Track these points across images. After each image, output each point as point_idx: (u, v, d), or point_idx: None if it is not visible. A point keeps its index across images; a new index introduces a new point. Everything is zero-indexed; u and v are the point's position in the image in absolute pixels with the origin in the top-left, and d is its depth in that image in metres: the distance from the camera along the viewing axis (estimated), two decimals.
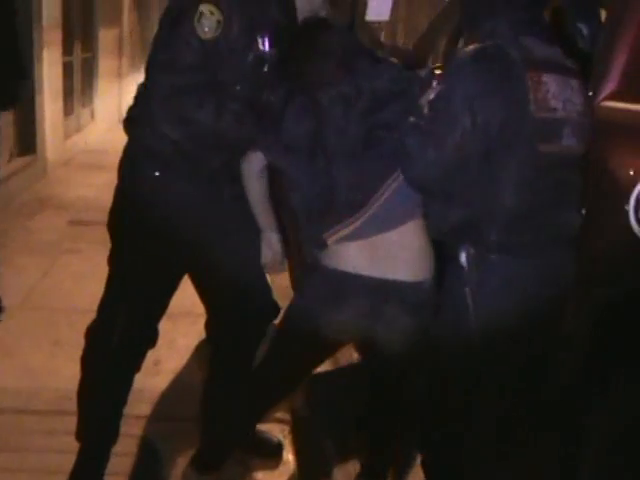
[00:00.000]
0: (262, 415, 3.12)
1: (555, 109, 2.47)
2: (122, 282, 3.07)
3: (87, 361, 3.16)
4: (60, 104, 9.71)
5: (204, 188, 2.92)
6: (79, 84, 11.29)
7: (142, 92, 2.96)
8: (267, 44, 2.84)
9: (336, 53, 2.69)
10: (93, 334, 3.13)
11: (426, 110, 2.52)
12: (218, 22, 2.71)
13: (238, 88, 2.81)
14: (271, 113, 2.74)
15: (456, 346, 2.67)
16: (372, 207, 2.63)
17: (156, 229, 2.93)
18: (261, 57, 2.84)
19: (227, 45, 2.75)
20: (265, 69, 2.85)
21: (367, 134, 2.62)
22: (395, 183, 2.64)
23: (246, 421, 3.11)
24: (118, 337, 3.05)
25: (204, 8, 2.71)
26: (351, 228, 2.64)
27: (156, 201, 2.93)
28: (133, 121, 3.01)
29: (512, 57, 2.44)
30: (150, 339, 3.16)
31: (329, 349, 2.97)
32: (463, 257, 2.59)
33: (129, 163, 3.01)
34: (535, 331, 2.64)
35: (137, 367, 3.16)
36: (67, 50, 10.25)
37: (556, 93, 2.48)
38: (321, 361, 3.04)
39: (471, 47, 2.50)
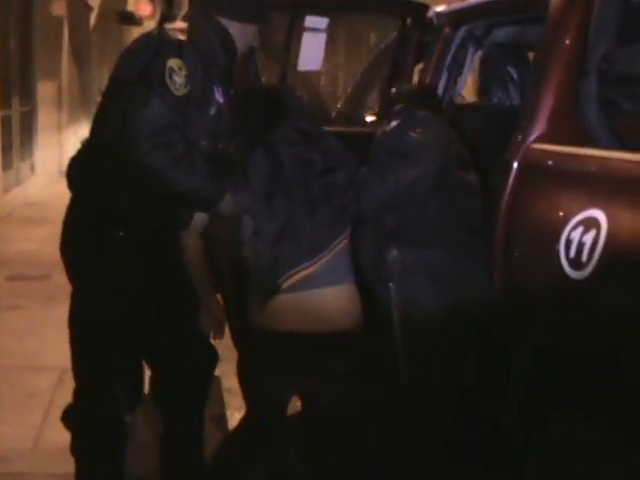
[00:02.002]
0: None
1: (462, 149, 2.99)
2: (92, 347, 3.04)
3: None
4: None
5: (170, 245, 2.91)
6: (18, 138, 11.22)
7: (92, 149, 2.91)
8: (221, 94, 2.86)
9: (294, 119, 2.74)
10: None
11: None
12: (187, 77, 2.70)
13: (203, 143, 2.80)
14: (233, 164, 2.76)
15: (380, 338, 2.92)
16: (331, 252, 2.70)
17: (119, 286, 2.92)
18: (219, 108, 2.85)
19: (194, 100, 2.74)
20: (221, 121, 2.86)
21: (327, 190, 2.70)
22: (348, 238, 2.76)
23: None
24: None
25: (173, 64, 2.68)
26: (308, 271, 2.68)
27: (121, 260, 2.91)
28: (82, 179, 2.97)
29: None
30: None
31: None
32: (390, 256, 2.86)
33: (85, 221, 2.96)
34: (452, 326, 2.87)
35: None
36: (5, 104, 10.20)
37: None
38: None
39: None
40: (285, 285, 2.68)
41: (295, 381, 2.82)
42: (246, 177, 2.71)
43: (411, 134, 2.83)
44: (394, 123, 2.90)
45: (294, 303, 2.69)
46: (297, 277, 2.68)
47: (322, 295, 2.70)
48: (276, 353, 2.75)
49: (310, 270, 2.68)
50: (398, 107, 3.02)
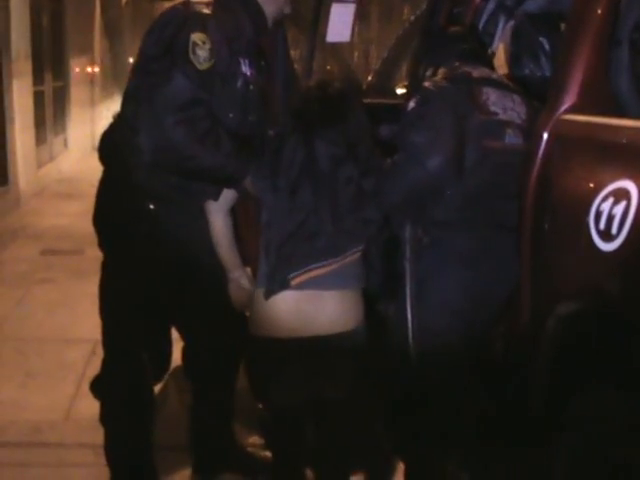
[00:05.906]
0: None
1: (496, 113, 2.84)
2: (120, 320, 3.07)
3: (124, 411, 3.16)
4: (32, 134, 9.69)
5: (197, 219, 2.91)
6: (51, 113, 11.29)
7: (123, 124, 2.91)
8: (248, 66, 2.85)
9: (351, 129, 2.69)
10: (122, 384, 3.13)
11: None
12: (210, 51, 2.70)
13: (231, 115, 2.81)
14: (266, 146, 2.73)
15: (394, 318, 2.93)
16: (345, 259, 2.67)
17: (151, 259, 2.94)
18: (246, 80, 2.84)
19: (219, 73, 2.74)
20: (250, 93, 2.86)
21: (355, 199, 2.67)
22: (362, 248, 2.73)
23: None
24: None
25: (196, 38, 2.69)
26: (323, 271, 2.65)
27: (152, 233, 2.93)
28: (113, 153, 2.98)
29: (463, 76, 2.91)
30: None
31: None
32: (406, 233, 2.87)
33: (116, 195, 2.99)
34: (472, 307, 2.85)
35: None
36: (38, 80, 10.25)
37: (495, 101, 2.86)
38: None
39: (439, 77, 2.94)
40: (294, 282, 2.64)
41: (300, 386, 2.76)
42: (275, 164, 2.66)
43: (416, 132, 2.78)
44: (411, 104, 2.85)
45: (297, 301, 2.66)
46: (308, 276, 2.65)
47: (321, 296, 2.67)
48: (278, 360, 2.73)
49: (321, 271, 2.65)
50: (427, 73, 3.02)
